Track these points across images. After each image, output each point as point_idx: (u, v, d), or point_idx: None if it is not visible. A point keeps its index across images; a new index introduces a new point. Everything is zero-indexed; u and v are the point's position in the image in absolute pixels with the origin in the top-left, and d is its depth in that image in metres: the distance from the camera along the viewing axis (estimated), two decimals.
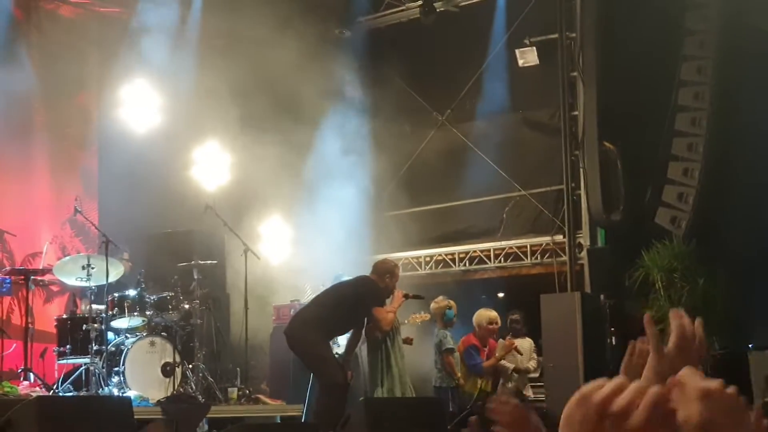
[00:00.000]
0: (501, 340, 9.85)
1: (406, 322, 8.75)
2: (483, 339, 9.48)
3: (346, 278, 10.71)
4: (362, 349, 9.10)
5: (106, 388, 9.06)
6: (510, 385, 9.81)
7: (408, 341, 8.48)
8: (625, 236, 11.74)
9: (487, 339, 9.50)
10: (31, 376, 9.33)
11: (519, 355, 10.01)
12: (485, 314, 9.62)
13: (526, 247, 12.97)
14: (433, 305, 9.15)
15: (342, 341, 8.94)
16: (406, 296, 8.39)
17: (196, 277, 9.95)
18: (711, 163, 11.58)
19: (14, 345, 9.94)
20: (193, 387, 9.39)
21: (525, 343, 10.51)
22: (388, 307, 8.21)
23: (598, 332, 11.31)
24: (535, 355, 10.61)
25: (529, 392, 10.23)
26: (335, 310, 8.23)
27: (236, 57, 12.63)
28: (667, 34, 11.94)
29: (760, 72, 11.53)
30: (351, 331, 8.59)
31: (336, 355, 8.47)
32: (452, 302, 9.21)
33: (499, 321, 9.63)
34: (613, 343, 11.52)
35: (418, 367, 9.25)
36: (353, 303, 8.24)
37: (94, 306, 9.59)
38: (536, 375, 11.08)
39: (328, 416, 8.00)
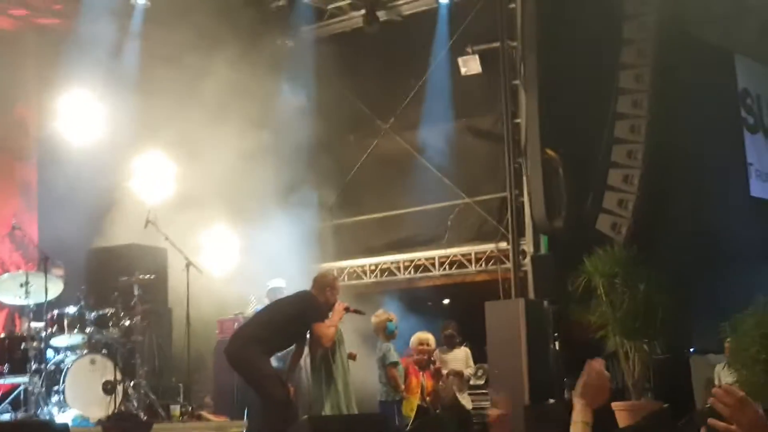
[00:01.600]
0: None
1: None
2: (418, 361, 9.51)
3: (277, 287, 10.68)
4: (306, 364, 9.06)
5: (46, 408, 8.93)
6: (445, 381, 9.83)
7: (351, 357, 8.44)
8: (568, 243, 11.86)
9: (423, 361, 9.52)
10: None
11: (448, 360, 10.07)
12: (416, 337, 9.66)
13: (470, 254, 13.02)
14: (373, 319, 9.12)
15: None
16: (346, 309, 8.35)
17: (136, 292, 9.85)
18: (650, 169, 11.75)
19: None
20: (135, 405, 9.31)
21: (460, 353, 10.54)
22: (328, 321, 8.16)
23: (542, 337, 11.44)
24: (471, 363, 10.63)
25: (466, 400, 10.26)
26: (275, 328, 8.18)
27: (178, 67, 12.54)
28: (606, 42, 12.11)
29: (697, 79, 11.74)
30: (292, 347, 8.54)
31: (278, 372, 8.42)
32: (392, 315, 9.19)
33: (430, 342, 9.65)
34: (557, 348, 11.65)
35: (362, 381, 9.23)
36: (293, 319, 8.19)
37: (33, 324, 9.45)
38: (478, 382, 11.17)
39: None
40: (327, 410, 8.15)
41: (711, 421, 2.74)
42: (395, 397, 8.96)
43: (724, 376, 10.34)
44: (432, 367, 9.58)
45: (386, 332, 8.98)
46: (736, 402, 2.68)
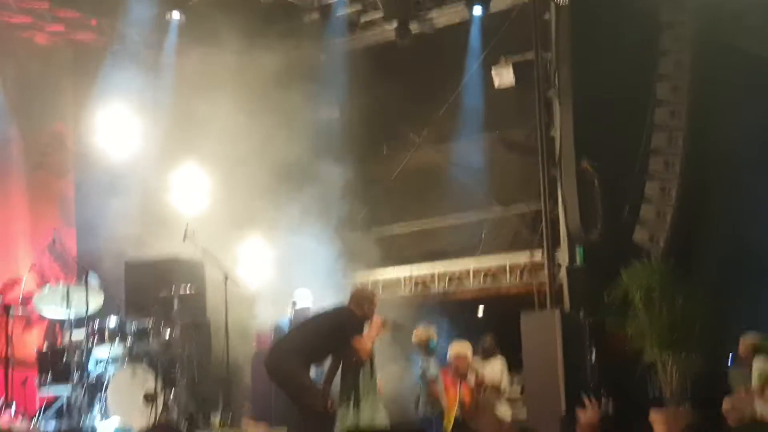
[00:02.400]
0: None
1: None
2: (456, 371, 9.49)
3: (304, 307, 10.73)
4: None
5: (89, 418, 9.02)
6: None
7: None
8: (604, 254, 11.78)
9: (462, 372, 9.50)
10: (13, 407, 9.27)
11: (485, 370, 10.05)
12: (453, 348, 9.66)
13: (505, 266, 12.99)
14: (414, 339, 9.12)
15: None
16: (384, 324, 8.37)
17: (176, 305, 9.93)
18: (688, 181, 11.68)
19: None
20: (176, 415, 9.37)
21: (497, 365, 10.51)
22: (366, 335, 8.20)
23: (578, 349, 11.35)
24: (507, 375, 10.61)
25: (504, 407, 10.20)
26: (314, 341, 8.22)
27: (213, 80, 12.65)
28: (642, 53, 12.05)
29: (734, 89, 11.63)
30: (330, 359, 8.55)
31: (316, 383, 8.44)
32: (432, 332, 9.17)
33: (467, 353, 9.64)
34: (594, 359, 11.57)
35: (397, 394, 9.24)
36: (332, 333, 8.23)
37: (75, 335, 9.54)
38: (516, 394, 11.12)
39: None
40: (345, 423, 8.14)
41: None
42: (434, 411, 8.94)
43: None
44: (474, 379, 9.57)
45: (428, 349, 8.99)
46: None
